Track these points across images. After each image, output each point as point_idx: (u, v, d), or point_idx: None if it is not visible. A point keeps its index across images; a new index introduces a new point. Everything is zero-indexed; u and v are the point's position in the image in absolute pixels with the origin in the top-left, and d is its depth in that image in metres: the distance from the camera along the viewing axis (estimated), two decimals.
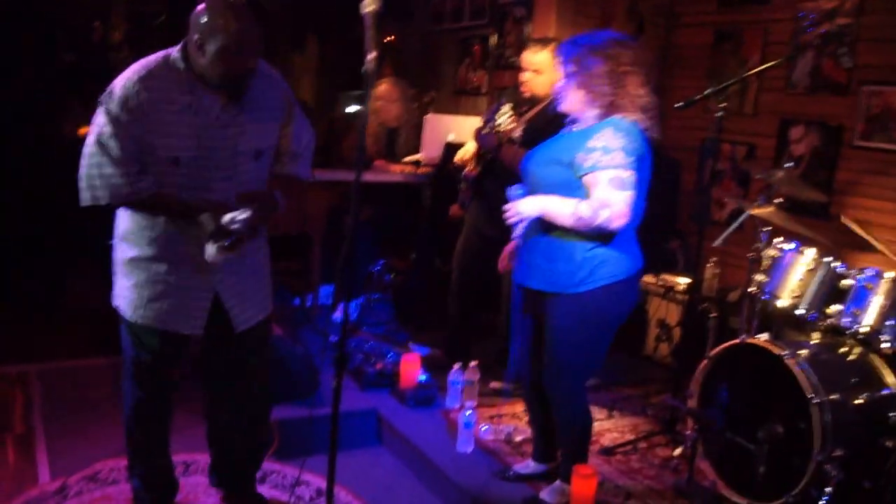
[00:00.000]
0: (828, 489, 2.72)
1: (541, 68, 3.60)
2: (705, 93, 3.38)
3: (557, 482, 2.91)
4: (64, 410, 3.68)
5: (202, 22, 2.26)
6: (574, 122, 2.76)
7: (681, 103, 3.41)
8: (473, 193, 3.93)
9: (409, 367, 3.72)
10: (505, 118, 3.64)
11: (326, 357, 4.10)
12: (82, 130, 6.89)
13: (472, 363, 3.69)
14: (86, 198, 2.37)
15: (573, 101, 2.69)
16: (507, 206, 2.72)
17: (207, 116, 2.37)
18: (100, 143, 2.32)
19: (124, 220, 2.52)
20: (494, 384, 3.94)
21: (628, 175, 2.53)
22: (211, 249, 2.36)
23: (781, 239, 3.27)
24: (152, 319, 2.52)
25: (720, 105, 3.34)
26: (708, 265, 4.16)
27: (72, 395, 3.84)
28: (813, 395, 2.75)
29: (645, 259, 4.53)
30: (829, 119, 4.12)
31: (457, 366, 3.68)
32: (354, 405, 3.64)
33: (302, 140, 2.64)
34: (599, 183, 2.53)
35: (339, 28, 6.68)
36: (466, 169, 3.94)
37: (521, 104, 3.72)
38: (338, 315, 4.70)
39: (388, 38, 6.38)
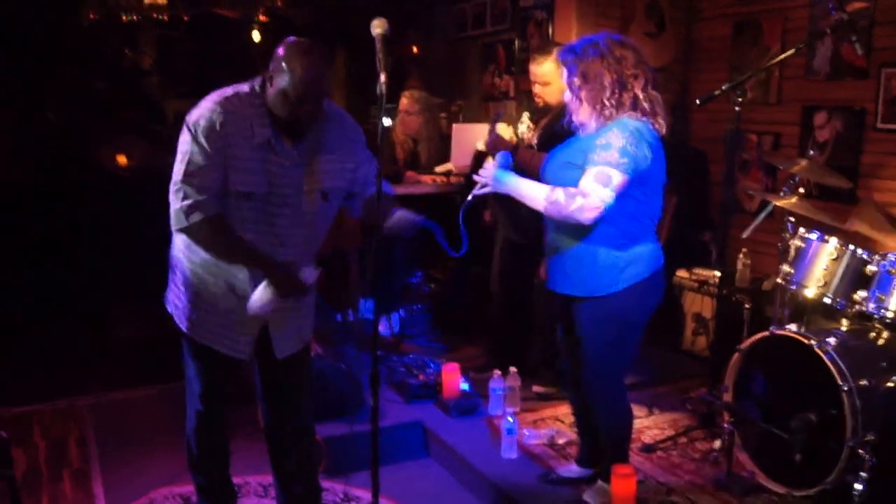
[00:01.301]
0: (863, 474, 2.83)
1: (549, 79, 3.72)
2: (723, 87, 3.48)
3: (599, 483, 3.05)
4: (117, 441, 3.90)
5: (277, 58, 2.37)
6: (584, 126, 2.85)
7: (700, 99, 3.54)
8: (500, 206, 4.05)
9: (451, 377, 3.90)
10: (524, 126, 3.80)
11: (369, 372, 4.30)
12: (119, 158, 7.22)
13: (512, 369, 3.86)
14: (178, 222, 2.43)
15: (584, 114, 2.79)
16: (481, 171, 2.88)
17: (281, 154, 2.46)
18: (187, 173, 2.39)
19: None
20: (537, 388, 4.08)
21: (615, 174, 2.61)
22: (266, 296, 2.48)
23: (803, 229, 3.37)
24: (201, 336, 2.66)
25: (739, 98, 3.44)
26: (739, 256, 4.27)
27: (124, 426, 4.09)
28: (843, 383, 2.87)
29: (678, 252, 4.69)
30: (851, 103, 4.20)
31: (497, 373, 3.84)
32: (400, 418, 3.83)
33: (366, 183, 2.70)
34: (587, 174, 2.64)
35: (368, 42, 6.86)
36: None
37: (537, 112, 3.86)
38: (379, 329, 4.90)
39: (413, 50, 6.56)
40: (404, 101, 5.04)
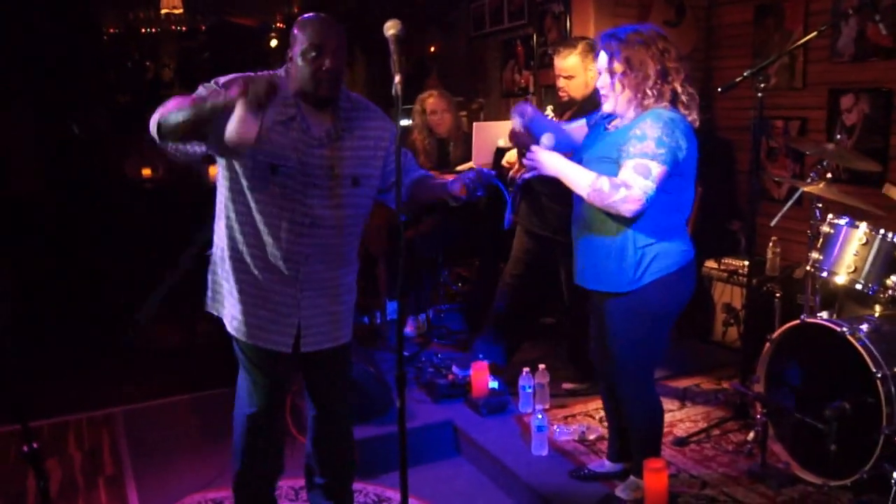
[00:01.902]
0: None
1: (573, 72, 3.72)
2: (745, 74, 3.45)
3: (631, 477, 3.05)
4: (150, 449, 3.97)
5: (293, 34, 2.44)
6: (614, 118, 2.84)
7: (721, 87, 3.52)
8: (522, 195, 4.06)
9: (480, 376, 3.91)
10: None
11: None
12: (144, 171, 7.34)
13: (541, 366, 3.87)
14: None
15: (621, 102, 2.75)
16: (531, 150, 2.82)
17: (308, 134, 2.50)
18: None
19: (226, 225, 2.61)
20: (566, 385, 4.08)
21: (654, 166, 2.61)
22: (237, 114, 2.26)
23: (831, 215, 3.34)
24: (248, 335, 2.64)
25: (761, 84, 3.41)
26: (769, 245, 4.24)
27: (156, 434, 4.15)
28: (876, 370, 2.84)
29: (706, 243, 4.66)
30: (878, 84, 4.14)
31: (526, 370, 3.84)
32: (430, 418, 3.85)
33: (405, 171, 2.71)
34: (626, 167, 2.63)
35: (386, 45, 6.90)
36: (512, 171, 4.01)
37: (561, 107, 3.86)
38: (408, 330, 4.94)
39: (431, 49, 6.58)
40: (430, 101, 5.00)
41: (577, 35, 4.82)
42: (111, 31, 7.13)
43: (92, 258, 5.96)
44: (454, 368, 4.17)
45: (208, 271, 2.76)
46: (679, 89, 2.72)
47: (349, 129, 2.57)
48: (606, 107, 2.82)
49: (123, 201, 6.16)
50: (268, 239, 2.55)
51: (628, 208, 2.62)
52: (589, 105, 3.50)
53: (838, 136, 4.12)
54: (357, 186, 2.60)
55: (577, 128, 3.07)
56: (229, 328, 2.69)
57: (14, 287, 5.40)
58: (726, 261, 4.55)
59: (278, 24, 7.81)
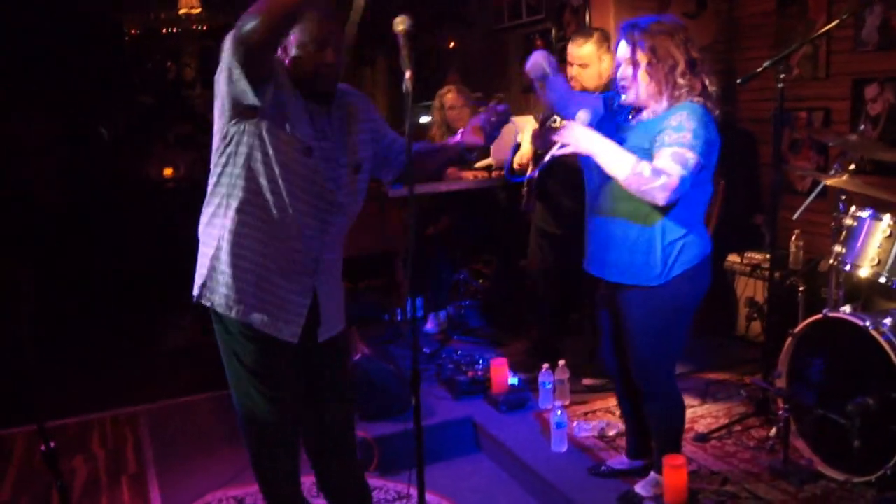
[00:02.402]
0: None
1: (587, 61, 3.72)
2: (765, 64, 3.41)
3: (651, 474, 3.03)
4: (173, 447, 4.01)
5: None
6: (639, 110, 2.79)
7: (741, 78, 3.48)
8: (537, 194, 4.05)
9: (499, 372, 3.90)
10: (560, 117, 3.78)
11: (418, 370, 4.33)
12: (167, 171, 7.40)
13: (561, 362, 3.86)
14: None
15: (646, 93, 2.70)
16: (562, 124, 2.75)
17: (313, 126, 2.40)
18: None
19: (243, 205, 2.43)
20: (587, 381, 4.07)
21: (691, 155, 2.57)
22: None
23: (854, 207, 3.29)
24: (254, 320, 2.44)
25: (781, 74, 3.37)
26: (792, 238, 4.19)
27: (179, 432, 4.19)
28: None
29: (729, 237, 4.61)
30: None
31: (546, 366, 3.84)
32: (450, 415, 3.86)
33: (399, 151, 2.65)
34: (662, 155, 2.58)
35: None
36: (527, 172, 3.99)
37: None
38: (429, 327, 4.95)
39: (451, 44, 6.57)
40: (449, 97, 5.00)
41: (597, 28, 4.79)
42: (132, 32, 7.20)
43: (114, 259, 6.02)
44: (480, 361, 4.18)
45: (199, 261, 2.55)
46: (707, 80, 2.68)
47: (341, 116, 2.51)
48: (626, 98, 2.77)
49: (145, 201, 6.22)
50: (291, 224, 2.40)
51: (664, 196, 2.57)
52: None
53: (861, 127, 4.06)
54: (359, 173, 2.55)
55: (590, 97, 3.06)
56: (229, 312, 2.45)
57: (37, 289, 5.47)
58: (749, 255, 4.51)
59: None
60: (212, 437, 4.07)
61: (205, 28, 7.50)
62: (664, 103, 2.68)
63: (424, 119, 6.03)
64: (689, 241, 2.74)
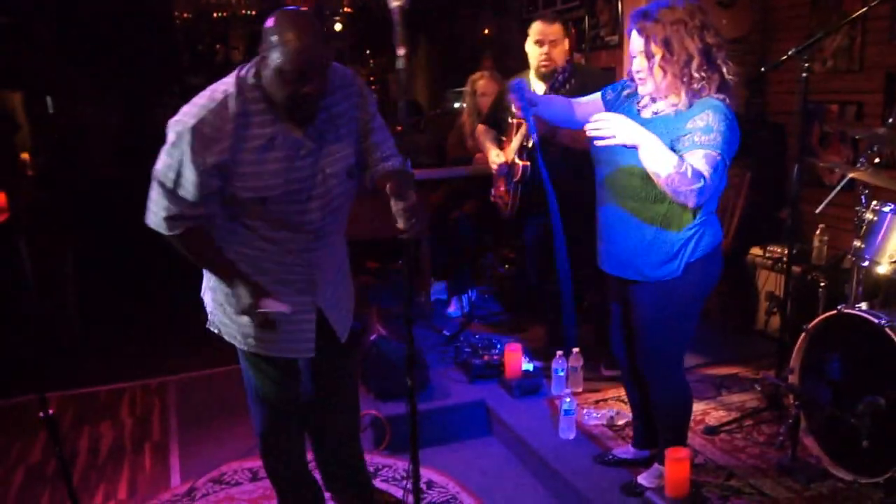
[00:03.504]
0: None
1: (557, 37, 3.67)
2: (789, 53, 3.24)
3: (655, 465, 2.93)
4: (196, 417, 4.03)
5: (267, 31, 2.10)
6: (639, 98, 2.65)
7: (765, 66, 3.31)
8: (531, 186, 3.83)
9: (513, 358, 3.81)
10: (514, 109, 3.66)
11: (438, 352, 4.28)
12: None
13: (575, 350, 3.75)
14: (148, 219, 2.29)
15: (664, 86, 2.53)
16: (597, 118, 2.45)
17: (292, 148, 2.21)
18: (160, 179, 2.20)
19: (220, 239, 2.34)
20: (607, 371, 3.92)
21: (721, 159, 2.43)
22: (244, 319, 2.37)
23: (876, 201, 3.11)
24: (264, 348, 2.44)
25: (805, 64, 3.19)
26: (816, 232, 4.01)
27: (204, 403, 4.21)
28: None
29: (755, 229, 4.44)
30: None
31: (559, 353, 3.73)
32: (463, 397, 3.79)
33: (385, 147, 2.46)
34: (695, 155, 2.42)
35: (444, 28, 6.83)
36: (517, 174, 3.74)
37: (546, 78, 3.68)
38: (451, 310, 4.87)
39: (486, 31, 6.45)
40: (481, 83, 4.89)
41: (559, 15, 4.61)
42: (184, 16, 7.23)
43: (153, 239, 6.06)
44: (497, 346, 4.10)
45: (203, 291, 2.57)
46: (724, 69, 2.50)
47: (331, 118, 2.29)
48: (643, 90, 2.60)
49: None
50: (276, 257, 2.36)
51: (696, 199, 2.41)
52: (565, 73, 3.39)
53: (891, 120, 3.83)
54: (351, 177, 2.38)
55: (590, 101, 2.90)
56: (237, 342, 2.50)
57: (79, 267, 5.54)
58: (771, 248, 4.33)
59: (345, 9, 7.80)
60: (234, 409, 4.05)
61: (253, 13, 7.51)
62: (684, 98, 2.50)
63: (458, 105, 5.93)
64: (702, 232, 2.62)
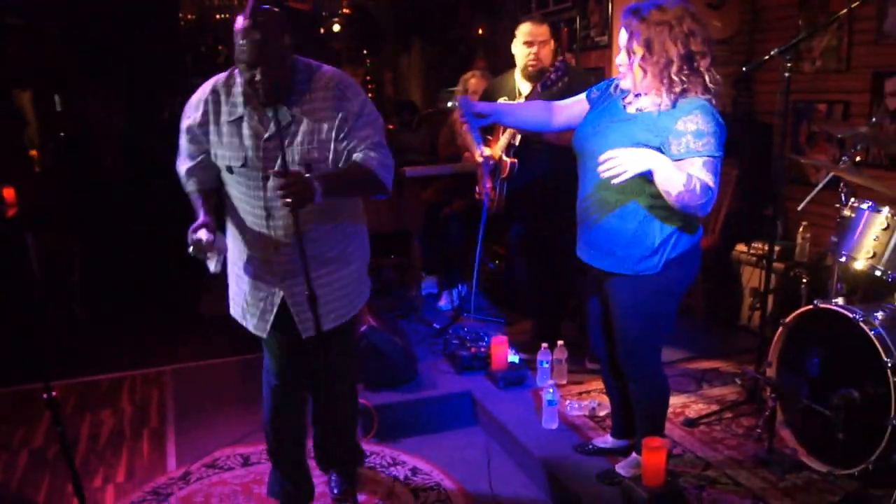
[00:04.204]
0: None
1: (545, 38, 3.70)
2: (771, 53, 3.22)
3: (633, 455, 2.92)
4: (193, 405, 4.04)
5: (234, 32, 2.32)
6: (626, 94, 2.61)
7: (746, 66, 3.28)
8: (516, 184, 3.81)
9: (499, 350, 3.81)
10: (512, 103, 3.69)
11: (427, 344, 4.28)
12: None
13: (560, 342, 3.74)
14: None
15: (642, 84, 2.51)
16: (606, 157, 2.41)
17: (260, 128, 2.43)
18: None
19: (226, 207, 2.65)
20: (590, 364, 3.91)
21: (718, 163, 2.42)
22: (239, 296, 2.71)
23: (854, 199, 3.09)
24: (244, 323, 2.71)
25: (788, 63, 3.17)
26: (799, 230, 3.99)
27: (201, 392, 4.21)
28: (888, 359, 2.62)
29: (742, 226, 4.42)
30: None
31: (544, 346, 3.72)
32: (450, 388, 3.79)
33: (361, 142, 2.49)
34: (695, 164, 2.40)
35: (439, 29, 6.82)
36: (504, 170, 3.73)
37: (532, 78, 3.69)
38: (442, 303, 4.87)
39: (480, 31, 6.44)
40: (472, 82, 4.90)
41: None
42: (189, 17, 7.23)
43: (156, 233, 6.09)
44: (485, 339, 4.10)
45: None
46: (707, 76, 2.46)
47: (303, 113, 2.43)
48: (623, 84, 2.58)
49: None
50: (243, 230, 2.60)
51: (705, 210, 2.42)
52: (555, 73, 3.39)
53: (874, 120, 3.81)
54: (309, 171, 2.40)
55: (576, 102, 2.88)
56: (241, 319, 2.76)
57: (89, 257, 5.58)
58: (756, 244, 4.30)
59: (344, 10, 7.80)
60: (230, 398, 4.09)
61: None
62: (665, 99, 2.48)
63: (451, 104, 5.93)
64: (685, 229, 2.60)
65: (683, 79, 2.44)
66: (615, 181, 2.41)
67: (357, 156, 2.47)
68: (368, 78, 7.52)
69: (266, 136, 2.44)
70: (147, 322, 5.46)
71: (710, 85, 2.48)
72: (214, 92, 2.48)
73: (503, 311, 4.69)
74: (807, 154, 4.51)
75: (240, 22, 2.29)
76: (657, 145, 2.46)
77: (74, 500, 3.12)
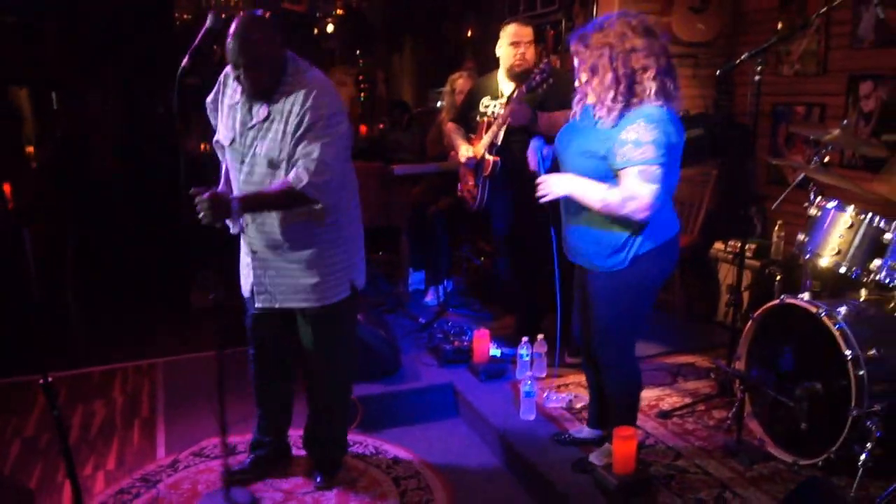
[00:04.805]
0: (868, 444, 2.66)
1: (531, 39, 3.79)
2: (742, 57, 3.29)
3: (606, 444, 2.99)
4: (184, 396, 4.10)
5: None
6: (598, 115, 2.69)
7: (719, 69, 3.36)
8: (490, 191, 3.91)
9: (481, 343, 3.89)
10: (494, 103, 3.80)
11: (412, 338, 4.35)
12: (203, 146, 7.54)
13: (540, 336, 3.82)
14: None
15: (595, 100, 2.63)
16: (539, 180, 2.73)
17: (244, 118, 2.72)
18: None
19: None
20: (570, 359, 3.97)
21: (656, 169, 2.51)
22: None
23: (820, 198, 3.17)
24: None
25: (758, 67, 3.25)
26: (775, 228, 4.07)
27: (191, 383, 4.27)
28: (848, 352, 2.70)
29: (722, 225, 4.50)
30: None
31: (525, 340, 3.80)
32: (433, 380, 3.87)
33: (305, 153, 2.67)
34: (629, 175, 2.52)
35: (429, 30, 6.89)
36: (487, 169, 3.83)
37: (517, 78, 3.77)
38: (429, 299, 4.95)
39: (469, 32, 6.51)
40: (460, 82, 4.96)
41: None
42: (184, 17, 7.29)
43: (151, 228, 6.15)
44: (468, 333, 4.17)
45: None
46: (653, 86, 2.53)
47: (282, 111, 2.65)
48: (589, 99, 2.70)
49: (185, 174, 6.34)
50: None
51: (643, 216, 2.54)
52: (540, 75, 3.51)
53: (845, 122, 3.89)
54: (274, 168, 2.69)
55: (564, 113, 2.99)
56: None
57: (84, 251, 5.64)
58: (732, 243, 4.39)
59: (338, 11, 7.87)
60: (216, 390, 4.13)
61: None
62: (612, 116, 2.58)
63: (441, 103, 6.00)
64: (653, 227, 2.67)
65: (623, 97, 2.55)
66: (542, 201, 2.73)
67: (291, 173, 2.65)
68: (362, 77, 7.58)
69: (248, 125, 2.71)
70: (140, 315, 5.52)
71: (662, 92, 2.55)
72: (226, 75, 2.78)
73: (488, 307, 4.76)
74: (785, 155, 4.60)
75: (233, 25, 2.58)
76: (603, 154, 2.58)
77: (66, 486, 3.24)
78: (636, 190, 2.51)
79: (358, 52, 7.73)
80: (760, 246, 4.17)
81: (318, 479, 3.14)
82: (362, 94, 7.38)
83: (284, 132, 2.66)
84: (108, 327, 5.35)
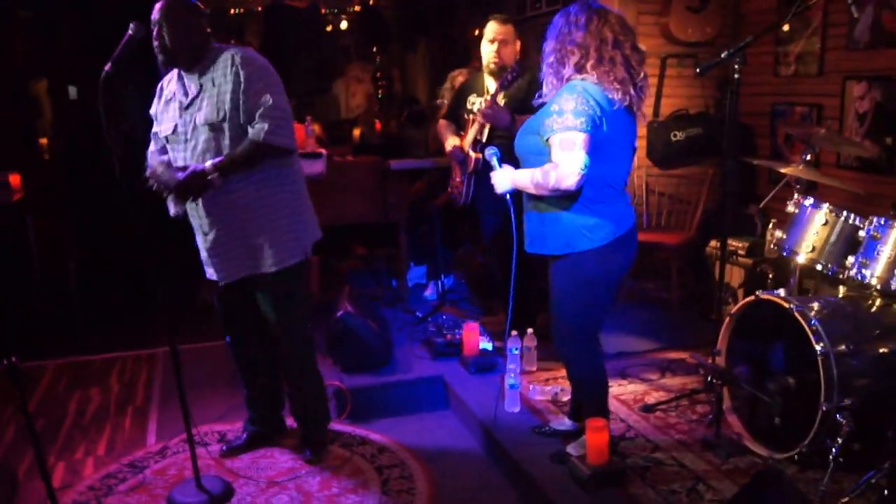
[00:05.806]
0: (839, 439, 2.72)
1: (507, 37, 3.84)
2: (722, 55, 3.34)
3: (583, 436, 3.08)
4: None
5: None
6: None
7: (700, 67, 3.41)
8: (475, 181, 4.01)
9: (471, 337, 3.98)
10: (479, 100, 3.88)
11: (408, 331, 4.46)
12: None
13: (529, 330, 3.91)
14: None
15: (547, 86, 2.83)
16: (494, 182, 2.95)
17: (182, 100, 2.98)
18: None
19: None
20: None
21: (576, 135, 2.60)
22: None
23: (798, 195, 3.24)
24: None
25: (737, 66, 3.30)
26: (769, 227, 4.12)
27: (187, 373, 4.36)
28: (819, 347, 2.76)
29: (725, 225, 4.54)
30: (891, 72, 3.95)
31: (514, 333, 3.88)
32: (424, 372, 3.97)
33: (256, 105, 2.90)
34: (553, 146, 2.66)
35: (442, 29, 6.98)
36: (470, 165, 3.95)
37: (496, 76, 3.87)
38: (428, 293, 5.05)
39: (475, 32, 6.60)
40: (459, 79, 5.05)
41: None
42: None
43: (154, 225, 6.25)
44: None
45: None
46: (587, 63, 2.66)
47: (212, 78, 2.91)
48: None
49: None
50: None
51: (568, 184, 2.63)
52: (516, 72, 3.66)
53: (828, 122, 3.94)
54: (215, 131, 2.92)
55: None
56: None
57: (89, 243, 5.79)
58: (729, 241, 4.44)
59: (355, 8, 8.01)
60: (214, 379, 4.27)
61: (258, 9, 7.71)
62: (553, 94, 2.77)
63: (440, 101, 6.09)
64: (599, 221, 2.75)
65: (561, 70, 2.72)
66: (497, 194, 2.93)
67: (250, 130, 2.90)
68: (379, 74, 7.68)
69: (185, 106, 2.98)
70: (140, 306, 5.63)
71: (595, 69, 2.67)
72: (160, 86, 3.11)
73: (486, 302, 4.85)
74: (785, 155, 4.65)
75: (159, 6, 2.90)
76: (535, 129, 2.75)
77: (58, 469, 3.38)
78: (558, 157, 2.64)
79: (374, 48, 7.81)
80: (753, 244, 4.23)
81: (307, 453, 3.32)
82: (380, 91, 7.47)
83: (219, 94, 2.90)
84: (108, 317, 5.49)
